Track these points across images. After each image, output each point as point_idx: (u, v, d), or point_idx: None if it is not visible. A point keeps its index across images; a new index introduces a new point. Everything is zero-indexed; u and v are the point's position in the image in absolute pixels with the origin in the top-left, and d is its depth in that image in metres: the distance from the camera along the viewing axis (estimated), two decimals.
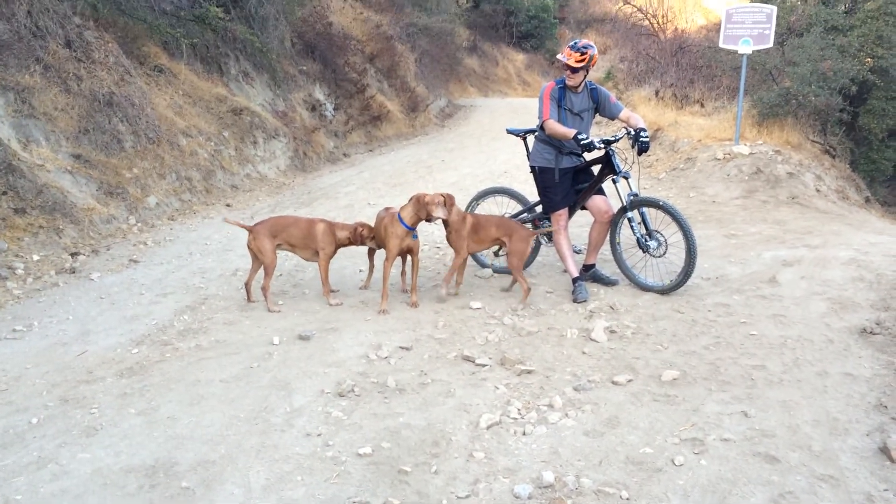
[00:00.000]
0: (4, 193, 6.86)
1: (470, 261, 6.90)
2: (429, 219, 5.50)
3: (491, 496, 3.23)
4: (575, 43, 5.77)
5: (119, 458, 3.50)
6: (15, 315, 5.49)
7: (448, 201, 5.64)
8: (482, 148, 15.39)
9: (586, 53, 5.67)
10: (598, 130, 15.32)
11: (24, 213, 6.91)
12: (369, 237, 5.83)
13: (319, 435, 3.74)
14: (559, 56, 5.85)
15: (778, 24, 11.50)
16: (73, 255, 6.91)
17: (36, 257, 6.58)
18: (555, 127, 5.77)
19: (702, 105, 14.87)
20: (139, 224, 8.25)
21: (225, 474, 3.37)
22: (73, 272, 6.52)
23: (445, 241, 7.73)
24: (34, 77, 8.23)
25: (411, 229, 5.56)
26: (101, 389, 4.25)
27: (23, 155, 7.52)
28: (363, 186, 11.24)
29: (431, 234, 7.97)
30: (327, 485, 3.30)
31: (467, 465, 3.48)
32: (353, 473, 3.39)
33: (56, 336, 5.12)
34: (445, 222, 5.75)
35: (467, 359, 4.71)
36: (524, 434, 3.78)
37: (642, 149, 5.64)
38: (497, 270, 6.63)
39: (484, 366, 4.61)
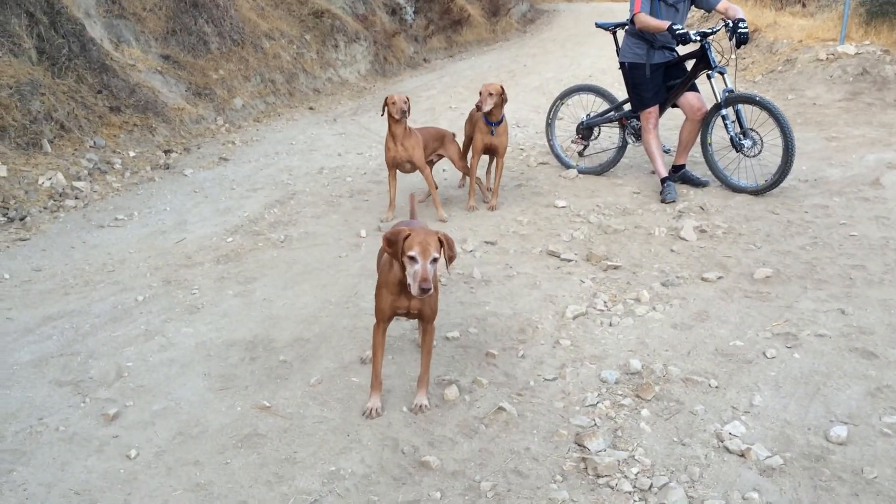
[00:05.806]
0: (100, 92, 7.08)
1: (554, 161, 6.80)
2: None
3: (578, 379, 3.26)
4: None
5: (220, 334, 3.69)
6: (116, 206, 5.75)
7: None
8: (566, 53, 14.91)
9: None
10: None
11: (118, 111, 7.14)
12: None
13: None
14: None
15: None
16: (167, 152, 7.14)
17: (132, 153, 6.82)
18: (646, 20, 5.50)
19: (803, 5, 13.91)
20: (227, 125, 8.42)
21: (320, 351, 3.51)
22: (167, 168, 6.74)
23: (528, 142, 7.65)
24: None
25: (490, 124, 5.43)
26: (200, 273, 4.45)
27: (115, 55, 7.71)
28: (444, 91, 11.10)
29: (514, 137, 7.85)
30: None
31: (554, 352, 3.52)
32: (442, 354, 3.48)
33: (155, 225, 5.35)
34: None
35: (552, 254, 4.70)
36: (611, 325, 3.78)
37: (741, 40, 5.34)
38: (582, 171, 6.49)
39: (569, 261, 4.59)
